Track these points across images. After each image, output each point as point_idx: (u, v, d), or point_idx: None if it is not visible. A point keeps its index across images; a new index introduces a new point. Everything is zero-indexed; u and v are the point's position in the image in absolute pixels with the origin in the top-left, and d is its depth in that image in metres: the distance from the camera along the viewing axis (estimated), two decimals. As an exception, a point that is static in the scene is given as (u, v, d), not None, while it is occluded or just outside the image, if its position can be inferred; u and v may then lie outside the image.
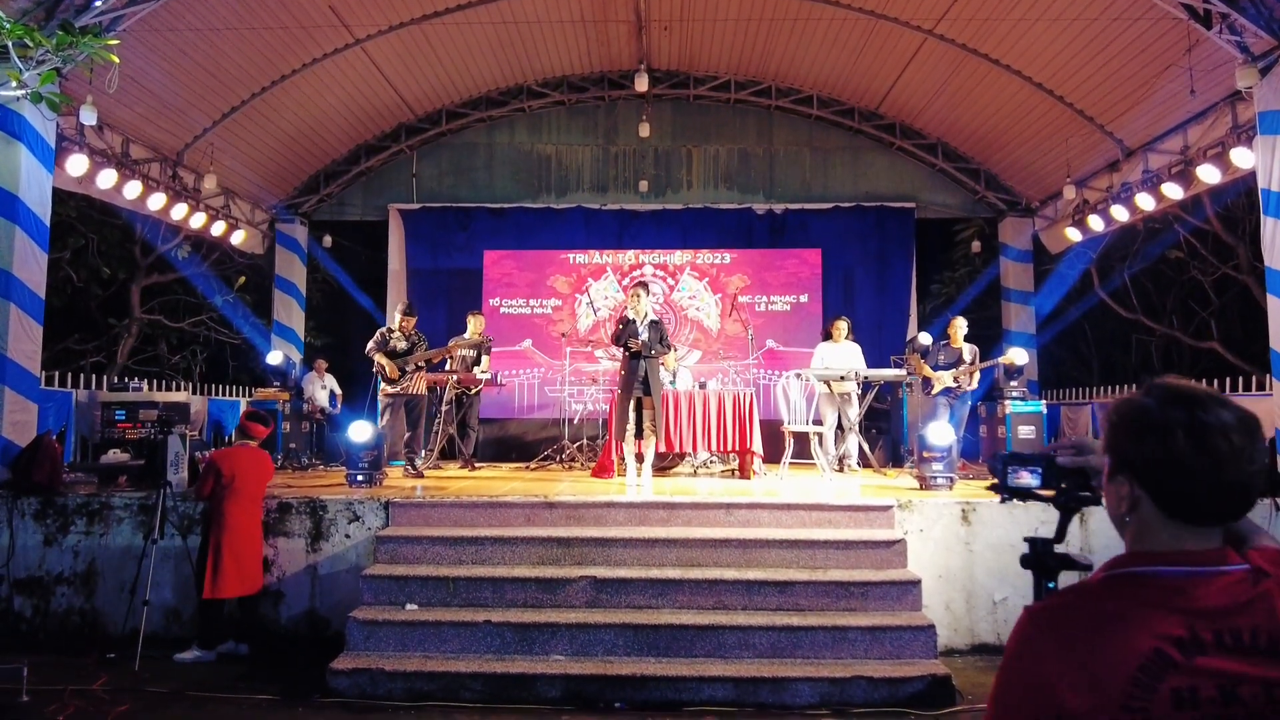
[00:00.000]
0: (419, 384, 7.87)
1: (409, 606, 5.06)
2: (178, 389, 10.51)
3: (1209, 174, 7.31)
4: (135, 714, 4.35)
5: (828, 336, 9.17)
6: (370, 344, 7.81)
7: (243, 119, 9.15)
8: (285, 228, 11.18)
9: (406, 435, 7.85)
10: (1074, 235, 9.77)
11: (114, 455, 6.80)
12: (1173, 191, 7.88)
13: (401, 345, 7.77)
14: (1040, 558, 1.57)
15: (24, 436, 6.22)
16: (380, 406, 7.71)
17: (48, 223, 6.66)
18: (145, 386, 8.43)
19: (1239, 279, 10.81)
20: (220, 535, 5.21)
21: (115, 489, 6.17)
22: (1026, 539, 1.58)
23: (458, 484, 7.03)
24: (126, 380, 8.58)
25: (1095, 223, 9.24)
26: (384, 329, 7.97)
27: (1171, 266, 11.88)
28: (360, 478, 6.50)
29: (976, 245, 11.58)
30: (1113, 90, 8.16)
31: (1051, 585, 1.56)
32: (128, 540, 5.84)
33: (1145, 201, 8.32)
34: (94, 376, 9.04)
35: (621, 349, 6.92)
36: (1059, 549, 1.57)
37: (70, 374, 8.61)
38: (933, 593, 5.48)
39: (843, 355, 8.77)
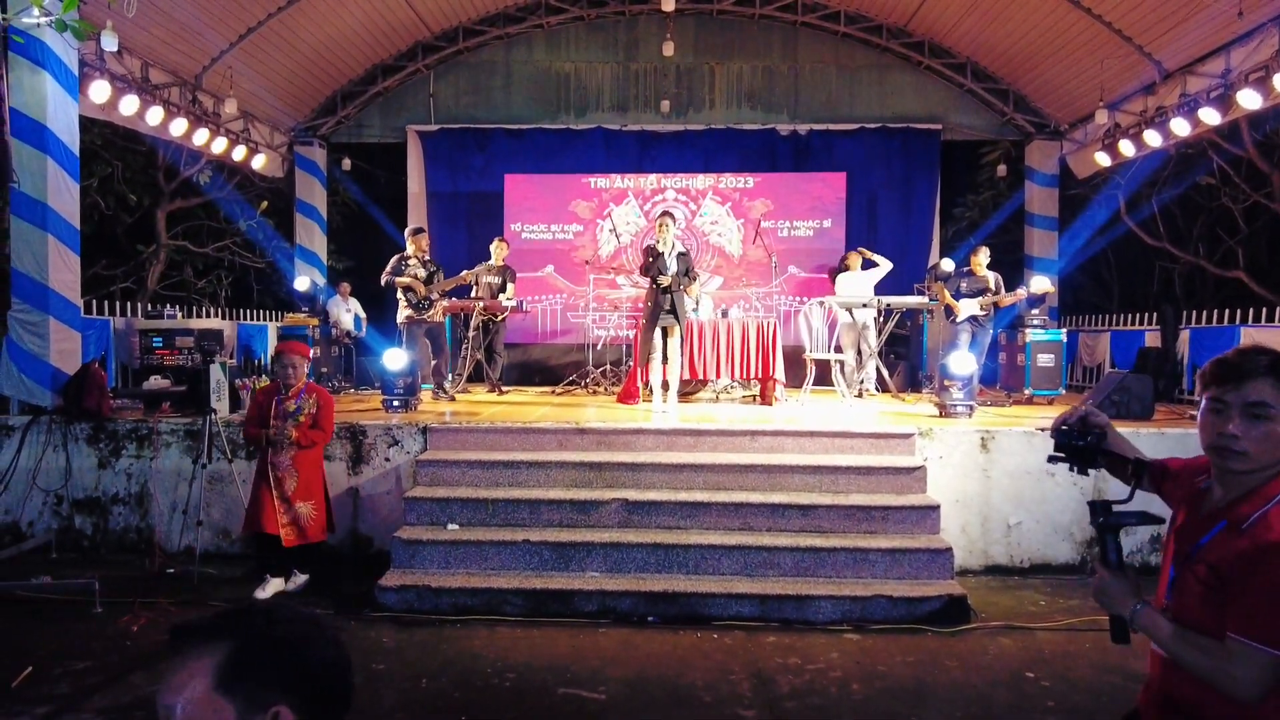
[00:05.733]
0: (437, 312, 8.01)
1: (450, 526, 5.34)
2: (206, 314, 10.71)
3: (1250, 99, 7.16)
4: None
5: (843, 269, 9.21)
6: (386, 272, 7.91)
7: (260, 40, 9.02)
8: (304, 150, 11.14)
9: (434, 361, 8.04)
10: (1103, 160, 9.62)
11: (155, 382, 7.04)
12: (1210, 116, 7.73)
13: (420, 272, 7.87)
14: (1106, 515, 1.69)
15: (70, 364, 6.44)
16: (404, 334, 7.86)
17: (76, 152, 6.70)
18: (178, 313, 8.60)
19: (1271, 207, 10.65)
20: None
21: (160, 415, 6.42)
22: (1089, 503, 1.71)
23: (489, 409, 7.26)
24: (159, 307, 8.75)
25: (1126, 148, 9.09)
26: (398, 255, 8.04)
27: (1201, 193, 11.69)
28: (396, 403, 6.72)
29: (1002, 169, 11.43)
30: (1155, 9, 7.91)
31: (1117, 541, 1.68)
32: (176, 463, 6.13)
33: (1180, 127, 8.17)
34: (127, 304, 9.22)
35: (650, 280, 7.00)
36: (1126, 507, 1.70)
37: (106, 302, 8.80)
38: (950, 516, 5.70)
39: (860, 284, 8.84)
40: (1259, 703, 1.44)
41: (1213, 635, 1.50)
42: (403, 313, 7.91)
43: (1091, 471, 1.85)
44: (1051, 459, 1.85)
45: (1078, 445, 1.79)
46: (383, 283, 8.00)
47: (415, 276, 7.84)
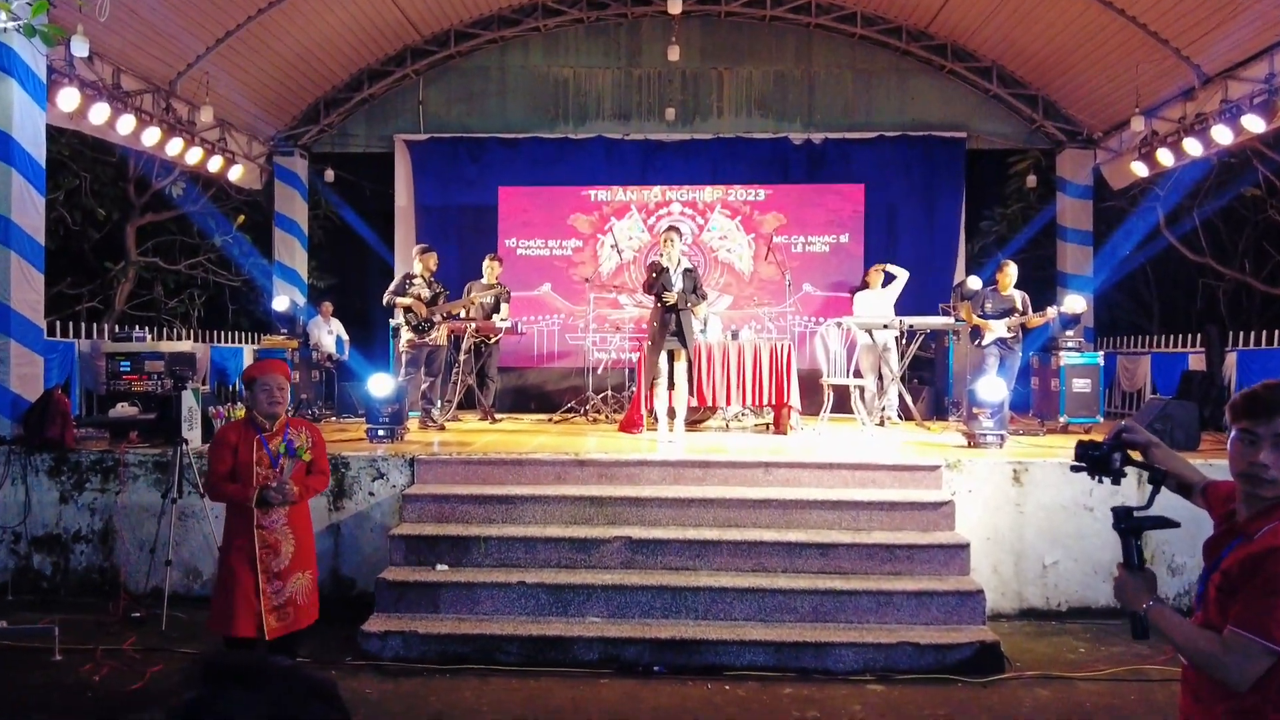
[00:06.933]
0: (441, 333, 8.05)
1: (439, 567, 5.31)
2: (177, 336, 10.74)
3: (1297, 105, 7.21)
4: (170, 675, 4.65)
5: (863, 286, 9.25)
6: (389, 291, 7.95)
7: (238, 44, 9.12)
8: (284, 161, 11.22)
9: (425, 385, 8.05)
10: (1140, 170, 9.67)
11: (123, 409, 7.03)
12: (1254, 124, 7.77)
13: (425, 292, 7.92)
14: (1127, 520, 1.91)
15: (31, 390, 6.45)
16: (404, 359, 7.89)
17: (43, 163, 6.77)
18: (148, 335, 8.63)
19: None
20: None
21: (128, 445, 6.41)
22: (1112, 509, 1.94)
23: (482, 438, 7.25)
24: (128, 329, 8.78)
25: (1165, 157, 9.14)
26: (404, 274, 8.11)
27: (1246, 205, 11.74)
28: (382, 433, 6.71)
29: (1032, 179, 11.49)
30: (1192, 10, 7.98)
31: (1138, 544, 1.90)
32: (144, 498, 6.11)
33: (1222, 134, 8.21)
34: (93, 325, 9.26)
35: (654, 298, 7.02)
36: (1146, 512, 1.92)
37: (71, 323, 8.83)
38: (980, 555, 5.66)
39: (880, 303, 8.87)
40: (1249, 691, 1.69)
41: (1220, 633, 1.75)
42: (405, 335, 7.94)
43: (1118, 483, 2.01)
44: (1073, 468, 2.03)
45: (1094, 454, 1.97)
46: (384, 302, 8.05)
47: (419, 297, 7.88)
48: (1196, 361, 9.02)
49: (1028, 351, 8.62)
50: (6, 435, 6.23)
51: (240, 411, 6.50)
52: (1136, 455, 1.99)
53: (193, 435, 6.25)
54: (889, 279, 9.08)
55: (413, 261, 8.31)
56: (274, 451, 3.87)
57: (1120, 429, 1.99)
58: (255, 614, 3.76)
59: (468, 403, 9.26)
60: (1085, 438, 2.03)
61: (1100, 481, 2.00)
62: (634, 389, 8.30)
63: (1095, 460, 1.97)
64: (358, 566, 5.96)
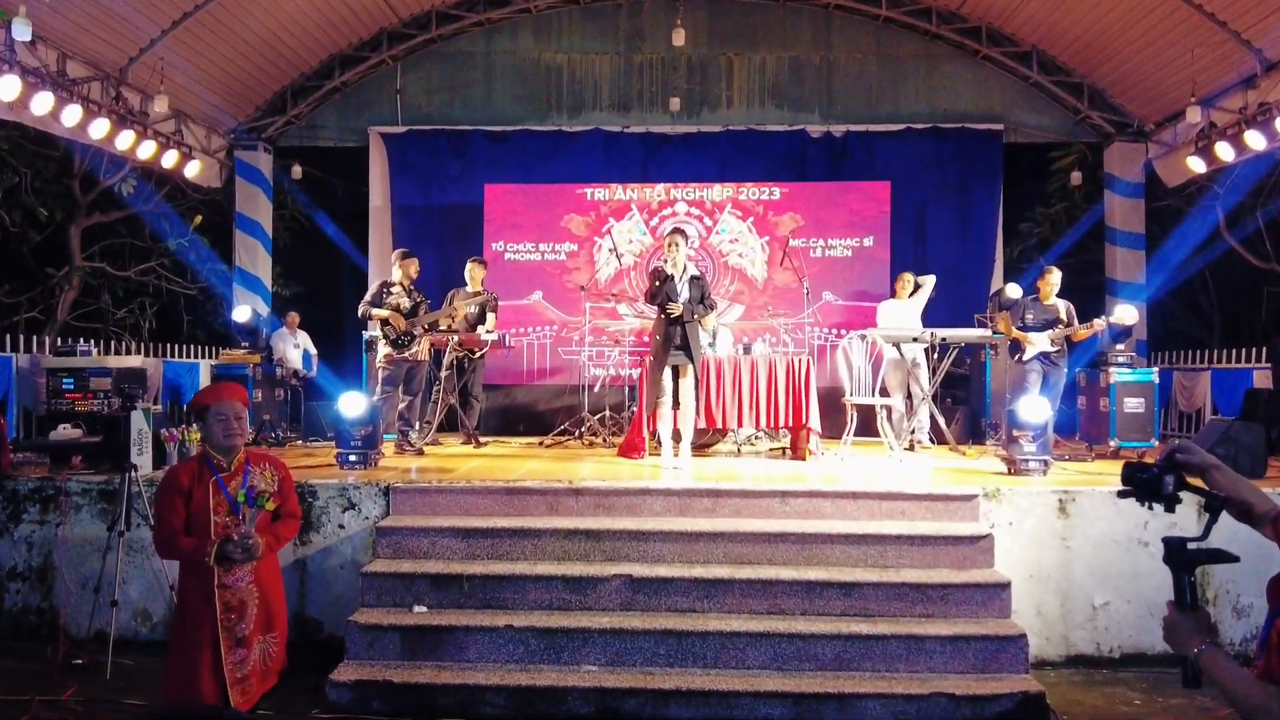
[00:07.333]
0: (423, 348, 8.05)
1: (417, 609, 5.29)
2: (126, 349, 10.76)
3: (1368, 93, 7.24)
4: (115, 730, 4.62)
5: (890, 295, 9.27)
6: (364, 301, 7.96)
7: (197, 26, 9.18)
8: (246, 156, 11.27)
9: (402, 405, 8.05)
10: (1197, 166, 9.69)
11: (64, 431, 7.03)
12: (1322, 114, 7.82)
13: (405, 302, 7.92)
14: (1179, 554, 1.89)
15: (-37, 409, 6.46)
16: (380, 375, 7.90)
17: (-22, 158, 6.80)
18: (94, 349, 8.64)
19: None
20: None
21: (70, 471, 6.41)
22: (1163, 539, 1.91)
23: (465, 464, 7.25)
24: (71, 341, 8.79)
25: (1224, 151, 9.16)
26: (382, 282, 8.13)
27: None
28: (353, 458, 6.70)
29: (1076, 176, 11.51)
30: (1252, -10, 8.04)
31: (1192, 579, 1.88)
32: (88, 530, 6.10)
33: (1287, 126, 8.25)
34: (33, 338, 9.27)
35: (658, 309, 7.03)
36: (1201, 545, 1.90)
37: (7, 335, 8.84)
38: (1023, 595, 5.65)
39: (908, 314, 8.88)
40: None
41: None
42: (382, 350, 7.94)
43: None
44: (1120, 493, 2.01)
45: (1142, 477, 1.95)
46: (359, 313, 8.05)
47: (397, 308, 7.88)
48: (1262, 379, 9.01)
49: (1073, 367, 8.61)
50: (-65, 461, 6.23)
51: (196, 435, 6.51)
52: (1198, 481, 1.95)
53: (143, 461, 6.25)
54: (917, 287, 9.11)
55: (391, 268, 8.33)
56: (234, 495, 3.64)
57: (1173, 448, 1.96)
58: (218, 686, 3.58)
59: (449, 424, 9.25)
60: (1137, 460, 2.04)
61: (1150, 508, 1.98)
62: (635, 409, 8.30)
63: (1144, 484, 1.95)
64: (326, 607, 5.94)
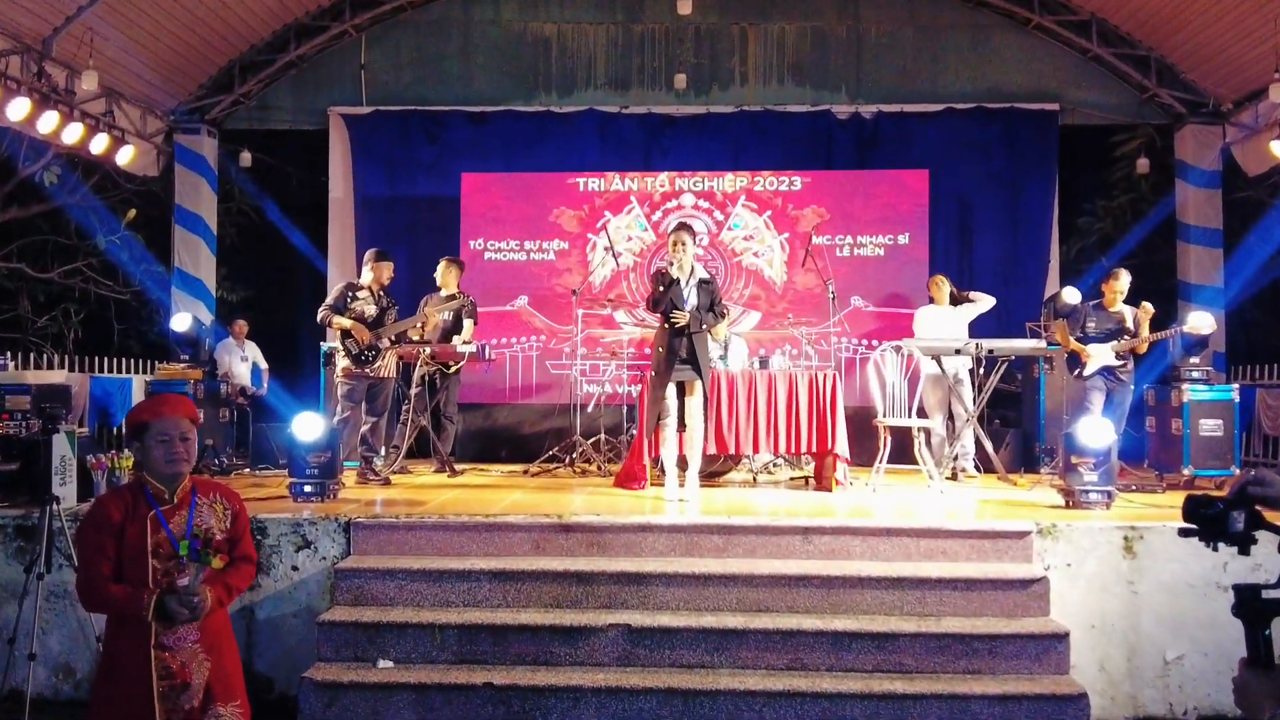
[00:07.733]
0: (389, 363, 8.04)
1: (382, 664, 5.28)
2: (48, 363, 10.75)
3: None
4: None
5: (931, 299, 9.28)
6: (325, 305, 7.96)
7: (131, -8, 9.25)
8: (187, 140, 11.32)
9: (365, 427, 8.04)
10: (1282, 151, 9.73)
11: (-25, 457, 7.02)
12: None
13: (370, 310, 7.92)
14: (1252, 603, 1.87)
15: None
16: (339, 391, 7.90)
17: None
18: (9, 362, 8.64)
19: None
20: None
21: (-19, 503, 6.39)
22: (1234, 587, 1.89)
23: (439, 496, 7.24)
24: (-16, 354, 8.79)
25: (1314, 135, 9.21)
26: (347, 284, 8.13)
27: None
28: (309, 489, 6.69)
29: (1143, 164, 11.55)
30: (1344, -51, 8.08)
31: (1268, 633, 1.85)
32: (1, 573, 6.08)
33: (1386, 106, 8.29)
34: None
35: (660, 317, 7.03)
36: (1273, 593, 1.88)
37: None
38: (1083, 648, 5.63)
39: (950, 322, 8.87)
40: None
41: None
42: (341, 363, 7.93)
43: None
44: (1181, 531, 2.01)
45: (1206, 513, 1.93)
46: (319, 318, 8.04)
47: (361, 315, 7.87)
48: (1359, 397, 9.00)
49: (1141, 384, 8.60)
50: None
51: (128, 462, 6.51)
52: (1278, 518, 1.93)
53: (66, 491, 6.24)
54: (958, 301, 9.07)
55: (362, 269, 8.31)
56: (176, 534, 3.35)
57: (1247, 479, 1.93)
58: None
59: (420, 450, 9.24)
60: (1201, 493, 1.99)
61: (1215, 549, 1.96)
62: (634, 432, 8.29)
63: (1208, 520, 1.93)
64: (277, 662, 5.92)
